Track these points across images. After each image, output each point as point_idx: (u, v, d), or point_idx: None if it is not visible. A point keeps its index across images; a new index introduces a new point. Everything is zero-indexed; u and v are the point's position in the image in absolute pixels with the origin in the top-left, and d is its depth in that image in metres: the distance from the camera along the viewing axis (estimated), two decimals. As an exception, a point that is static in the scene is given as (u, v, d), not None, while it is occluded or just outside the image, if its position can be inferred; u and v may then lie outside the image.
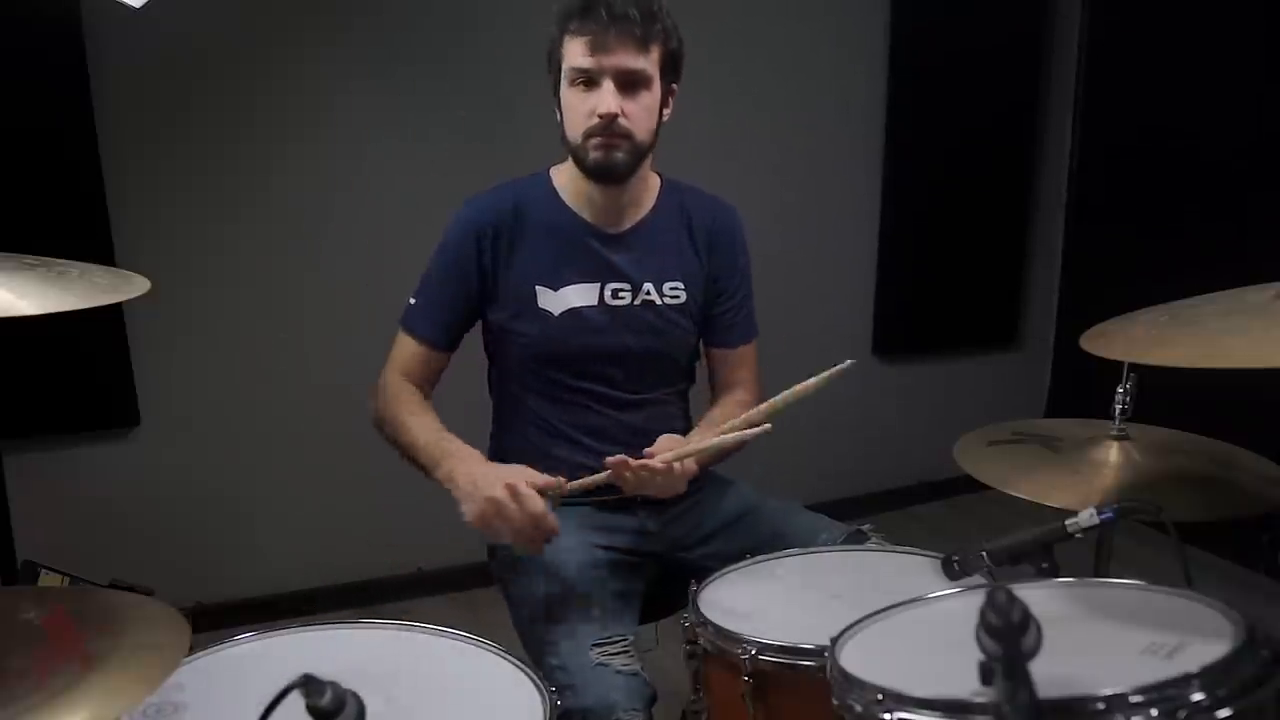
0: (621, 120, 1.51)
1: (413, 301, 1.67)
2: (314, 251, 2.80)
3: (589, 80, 1.51)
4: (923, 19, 3.32)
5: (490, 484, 1.39)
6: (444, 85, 2.84)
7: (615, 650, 1.39)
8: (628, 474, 1.41)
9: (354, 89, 2.76)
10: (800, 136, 3.28)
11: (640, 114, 1.53)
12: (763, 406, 1.43)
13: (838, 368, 1.36)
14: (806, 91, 3.26)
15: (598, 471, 1.44)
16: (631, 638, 1.43)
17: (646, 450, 1.44)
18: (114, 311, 2.57)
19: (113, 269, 1.08)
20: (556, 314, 1.61)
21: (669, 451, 1.43)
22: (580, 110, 1.53)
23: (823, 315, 3.38)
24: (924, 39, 3.34)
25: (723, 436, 1.45)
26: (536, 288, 1.61)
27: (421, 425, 1.57)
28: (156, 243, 2.60)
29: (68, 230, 2.48)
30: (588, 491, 1.48)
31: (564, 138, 1.58)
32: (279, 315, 2.80)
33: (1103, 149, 3.56)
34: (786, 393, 1.41)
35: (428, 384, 1.68)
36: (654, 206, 1.69)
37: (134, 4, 1.95)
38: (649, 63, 1.52)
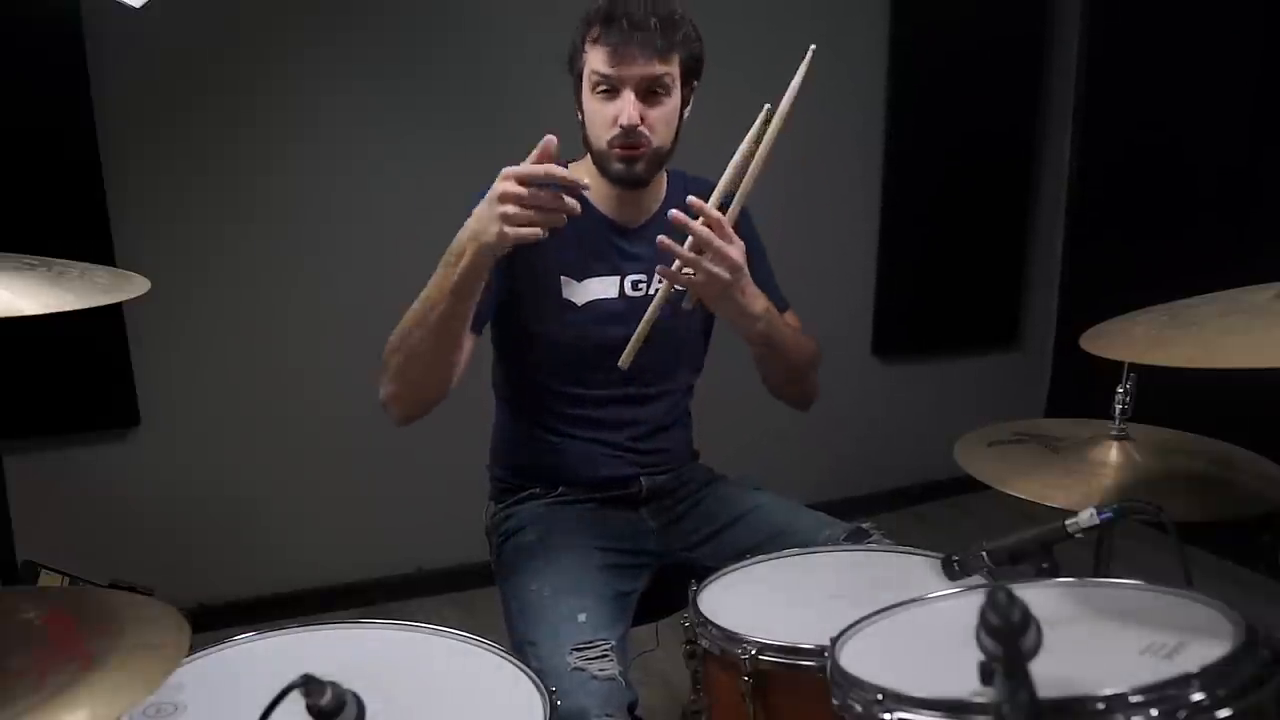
0: (642, 129, 1.52)
1: None
2: (314, 251, 2.80)
3: (610, 89, 1.52)
4: (923, 20, 3.33)
5: (484, 206, 1.35)
6: (445, 85, 2.84)
7: (595, 655, 1.37)
8: (685, 268, 1.40)
9: (354, 89, 2.76)
10: (800, 137, 3.25)
11: (660, 121, 1.55)
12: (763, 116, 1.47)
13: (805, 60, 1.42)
14: (806, 91, 3.25)
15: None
16: (614, 642, 1.42)
17: (673, 215, 1.39)
18: (114, 311, 2.57)
19: (113, 269, 1.08)
20: (580, 304, 1.63)
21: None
22: (602, 118, 1.54)
23: (823, 315, 3.35)
24: (924, 40, 3.34)
25: (740, 149, 1.45)
26: (561, 278, 1.62)
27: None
28: (156, 243, 2.60)
29: (68, 230, 2.48)
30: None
31: (586, 141, 1.59)
32: (279, 315, 2.80)
33: (1102, 149, 3.56)
34: (783, 101, 1.47)
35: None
36: (664, 199, 1.71)
37: (134, 4, 1.96)
38: (669, 70, 1.53)
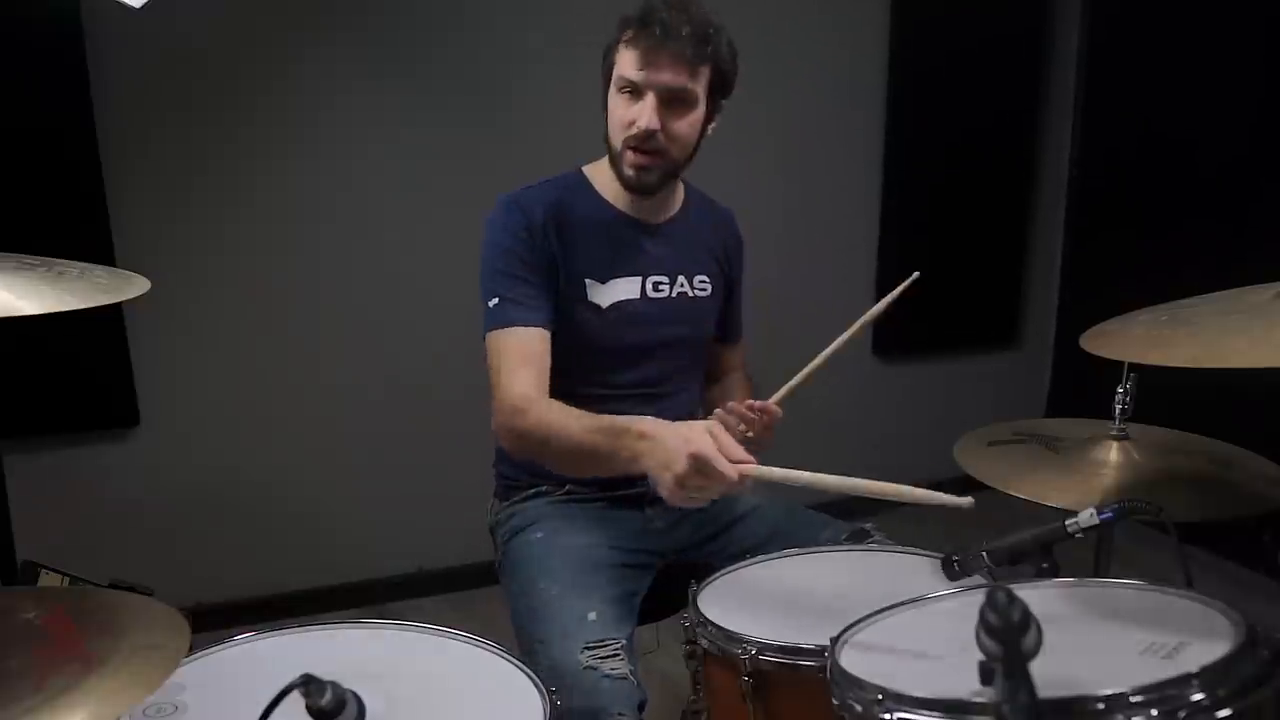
0: (660, 136, 1.53)
1: (494, 302, 1.58)
2: (314, 251, 2.80)
3: (634, 91, 1.53)
4: (923, 19, 3.33)
5: (679, 461, 1.28)
6: (446, 85, 2.84)
7: (607, 653, 1.37)
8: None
9: (355, 89, 2.76)
10: (801, 136, 3.28)
11: (681, 132, 1.55)
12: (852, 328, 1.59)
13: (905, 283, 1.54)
14: (807, 91, 3.26)
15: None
16: (625, 641, 1.42)
17: (754, 405, 1.53)
18: (114, 311, 2.57)
19: (113, 269, 1.08)
20: (604, 306, 1.63)
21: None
22: (622, 118, 1.55)
23: (823, 314, 3.36)
24: (924, 39, 3.34)
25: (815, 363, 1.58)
26: (586, 281, 1.62)
27: (582, 426, 1.46)
28: (156, 243, 2.61)
29: (68, 230, 2.48)
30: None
31: (606, 140, 1.61)
32: (279, 315, 2.80)
33: (1102, 149, 3.56)
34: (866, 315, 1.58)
35: (547, 374, 1.58)
36: (683, 204, 1.74)
37: (134, 4, 1.96)
38: (697, 83, 1.53)
